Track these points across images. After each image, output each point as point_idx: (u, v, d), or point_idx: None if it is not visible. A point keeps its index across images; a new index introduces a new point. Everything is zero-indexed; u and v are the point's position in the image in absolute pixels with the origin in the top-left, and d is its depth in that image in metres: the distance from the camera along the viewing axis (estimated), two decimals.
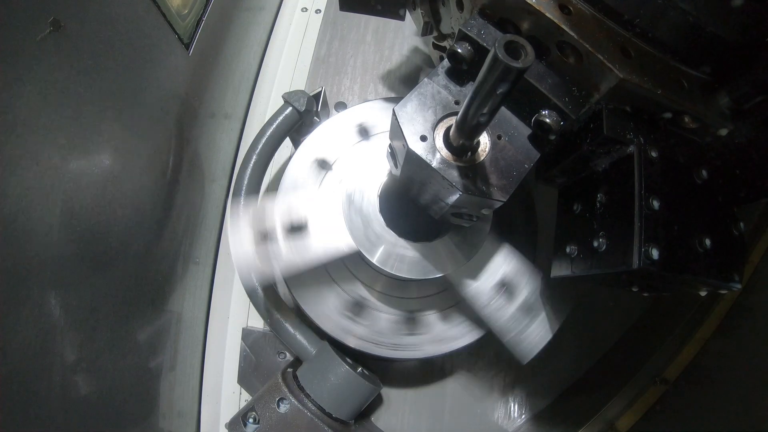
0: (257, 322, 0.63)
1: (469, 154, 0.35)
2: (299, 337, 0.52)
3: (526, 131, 0.37)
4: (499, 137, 0.36)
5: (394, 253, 0.45)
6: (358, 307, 0.51)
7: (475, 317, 0.51)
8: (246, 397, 0.60)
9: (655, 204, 0.33)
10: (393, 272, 0.45)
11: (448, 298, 0.52)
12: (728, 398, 0.51)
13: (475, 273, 0.48)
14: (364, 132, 0.55)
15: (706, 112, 0.35)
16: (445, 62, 0.37)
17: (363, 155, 0.54)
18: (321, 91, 0.59)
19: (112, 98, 0.41)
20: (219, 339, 0.63)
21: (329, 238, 0.45)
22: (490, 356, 0.65)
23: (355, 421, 0.52)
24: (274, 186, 0.64)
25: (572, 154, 0.39)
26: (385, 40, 0.83)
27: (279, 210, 0.46)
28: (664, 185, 0.34)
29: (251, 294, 0.52)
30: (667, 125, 0.36)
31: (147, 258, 0.49)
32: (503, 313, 0.47)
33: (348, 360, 0.51)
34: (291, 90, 0.57)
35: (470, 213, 0.40)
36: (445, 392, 0.63)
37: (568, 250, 0.39)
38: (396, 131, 0.36)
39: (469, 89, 0.32)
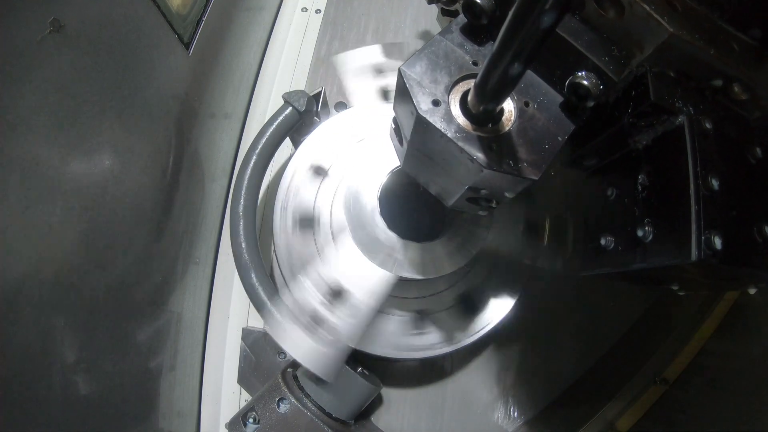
0: (257, 322, 0.63)
1: (491, 124, 0.30)
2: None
3: (558, 99, 0.31)
4: (526, 104, 0.31)
5: (394, 253, 0.45)
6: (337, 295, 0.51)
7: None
8: (246, 397, 0.60)
9: (715, 183, 0.28)
10: (393, 272, 0.44)
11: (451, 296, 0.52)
12: (728, 398, 0.51)
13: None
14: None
15: (758, 81, 0.31)
16: (460, 18, 0.32)
17: (363, 156, 0.53)
18: (321, 91, 0.59)
19: (112, 98, 0.41)
20: (219, 339, 0.63)
21: (369, 291, 0.44)
22: (490, 356, 0.65)
23: (355, 421, 0.52)
24: (274, 186, 0.64)
25: (607, 130, 0.34)
26: (385, 40, 0.83)
27: (310, 289, 0.45)
28: (721, 163, 0.29)
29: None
30: (715, 96, 0.31)
31: (147, 258, 0.49)
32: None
33: (348, 360, 0.51)
34: (291, 90, 0.57)
35: (490, 197, 0.34)
36: (445, 392, 0.63)
37: (603, 242, 0.34)
38: (402, 95, 0.31)
39: (489, 49, 0.27)
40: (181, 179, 0.55)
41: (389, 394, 0.62)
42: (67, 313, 0.37)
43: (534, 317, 0.66)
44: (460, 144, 0.29)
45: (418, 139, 0.32)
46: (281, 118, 0.56)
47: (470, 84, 0.29)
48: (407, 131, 0.33)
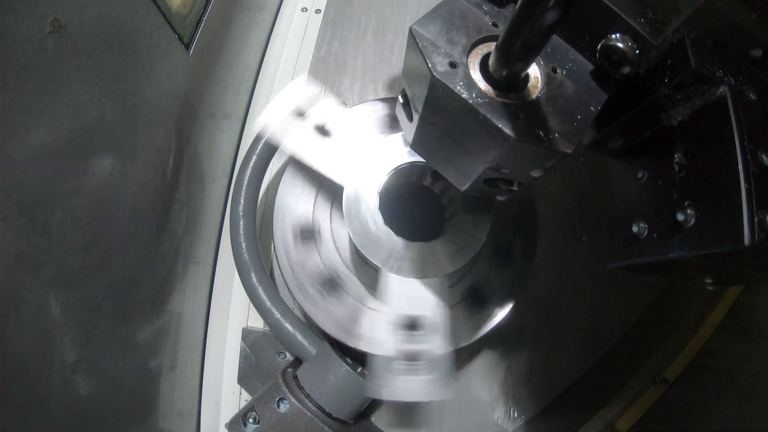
0: (257, 322, 0.63)
1: (514, 93, 0.26)
2: (299, 337, 0.52)
3: (587, 66, 0.28)
4: (554, 70, 0.27)
5: (395, 253, 0.45)
6: (331, 285, 0.51)
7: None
8: (246, 397, 0.60)
9: (765, 158, 0.25)
10: (393, 272, 0.44)
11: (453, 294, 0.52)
12: (728, 398, 0.51)
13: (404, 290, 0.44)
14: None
15: None
16: None
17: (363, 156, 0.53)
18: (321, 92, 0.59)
19: (112, 98, 0.41)
20: (219, 339, 0.63)
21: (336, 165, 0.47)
22: (490, 356, 0.65)
23: (355, 421, 0.52)
24: (274, 186, 0.64)
25: (637, 106, 0.30)
26: (385, 40, 0.83)
27: (320, 105, 0.47)
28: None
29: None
30: (752, 68, 0.29)
31: (147, 258, 0.49)
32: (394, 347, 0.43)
33: (348, 360, 0.51)
34: None
35: (511, 177, 0.30)
36: None
37: (635, 229, 0.31)
38: (414, 58, 0.27)
39: (510, 11, 0.24)
40: (181, 179, 0.55)
41: None
42: (67, 313, 0.37)
43: (534, 317, 0.66)
44: (482, 111, 0.24)
45: (431, 110, 0.28)
46: None
47: (490, 47, 0.26)
48: (419, 101, 0.29)
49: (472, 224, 0.47)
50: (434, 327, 0.44)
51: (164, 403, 0.52)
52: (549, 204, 0.74)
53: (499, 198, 0.36)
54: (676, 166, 0.29)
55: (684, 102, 0.28)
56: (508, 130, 0.24)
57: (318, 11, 0.86)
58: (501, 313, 0.52)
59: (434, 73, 0.25)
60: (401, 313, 0.44)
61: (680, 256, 0.27)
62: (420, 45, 0.26)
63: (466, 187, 0.33)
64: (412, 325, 0.44)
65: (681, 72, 0.27)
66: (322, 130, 0.48)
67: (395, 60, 0.81)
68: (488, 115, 0.25)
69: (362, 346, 0.49)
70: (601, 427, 0.57)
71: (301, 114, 0.48)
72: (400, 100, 0.33)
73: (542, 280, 0.67)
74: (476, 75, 0.26)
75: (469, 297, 0.52)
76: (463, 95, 0.25)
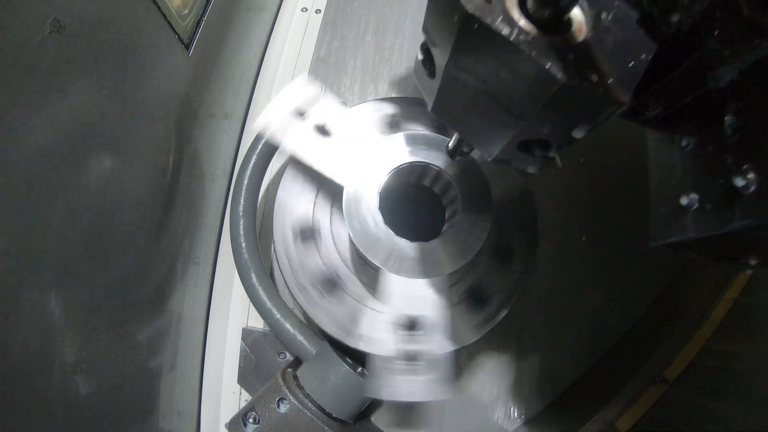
0: (257, 322, 0.63)
1: (556, 36, 0.23)
2: (299, 337, 0.52)
3: (633, 14, 0.25)
4: (599, 15, 0.24)
5: (395, 253, 0.45)
6: (331, 285, 0.51)
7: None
8: (246, 397, 0.60)
9: None
10: (393, 272, 0.44)
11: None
12: (728, 398, 0.51)
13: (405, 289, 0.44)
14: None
15: None
16: None
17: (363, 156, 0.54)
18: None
19: (112, 98, 0.41)
20: (219, 339, 0.63)
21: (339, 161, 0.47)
22: (490, 356, 0.65)
23: (355, 421, 0.52)
24: (274, 186, 0.64)
25: (683, 65, 0.28)
26: (385, 40, 0.83)
27: (320, 104, 0.48)
28: None
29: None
30: None
31: (147, 258, 0.49)
32: (394, 348, 0.43)
33: (348, 360, 0.51)
34: None
35: (551, 138, 0.27)
36: None
37: (684, 201, 0.28)
38: None
39: None
40: (181, 179, 0.55)
41: None
42: (67, 313, 0.37)
43: (534, 317, 0.66)
44: (527, 49, 0.21)
45: (461, 57, 0.24)
46: None
47: None
48: (444, 50, 0.25)
49: (472, 224, 0.47)
50: (434, 327, 0.44)
51: (164, 403, 0.52)
52: (549, 204, 0.74)
53: (530, 170, 0.32)
54: (729, 129, 0.26)
55: (734, 59, 0.26)
56: (557, 71, 0.21)
57: (318, 11, 0.86)
58: (501, 314, 0.52)
59: (467, 7, 0.21)
60: (401, 313, 0.44)
61: (742, 225, 0.24)
62: None
63: (495, 153, 0.30)
64: (412, 325, 0.44)
65: (732, 23, 0.24)
66: (322, 130, 0.48)
67: (395, 60, 0.81)
68: (534, 54, 0.21)
69: (362, 346, 0.49)
70: (601, 427, 0.57)
71: (301, 114, 0.48)
72: (419, 56, 0.30)
73: (542, 280, 0.67)
74: (515, 13, 0.22)
75: (469, 297, 0.52)
76: (503, 32, 0.21)
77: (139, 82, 0.45)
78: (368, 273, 0.52)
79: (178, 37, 0.52)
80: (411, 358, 0.42)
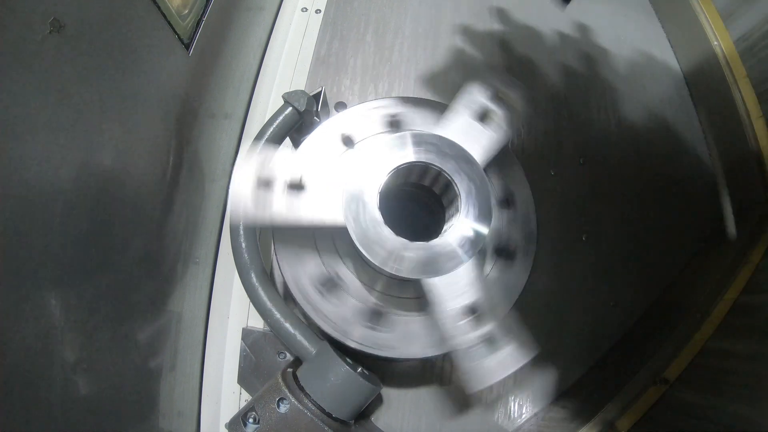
0: (257, 322, 0.63)
1: None
2: (299, 337, 0.52)
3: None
4: None
5: (395, 253, 0.45)
6: (331, 284, 0.51)
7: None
8: (246, 397, 0.60)
9: None
10: (393, 273, 0.44)
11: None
12: (728, 398, 0.51)
13: (450, 288, 0.46)
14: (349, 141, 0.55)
15: None
16: None
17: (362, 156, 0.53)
18: (321, 91, 0.59)
19: (113, 98, 0.41)
20: (219, 339, 0.63)
21: (324, 206, 0.45)
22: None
23: (355, 421, 0.52)
24: None
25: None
26: (385, 40, 0.83)
27: (281, 163, 0.45)
28: None
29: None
30: None
31: (147, 258, 0.49)
32: (468, 337, 0.45)
33: (348, 360, 0.51)
34: (291, 90, 0.57)
35: None
36: (445, 392, 0.63)
37: None
38: None
39: None
40: (181, 179, 0.55)
41: (389, 394, 0.62)
42: (67, 313, 0.37)
43: (534, 317, 0.66)
44: None
45: None
46: (281, 118, 0.56)
47: None
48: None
49: (472, 224, 0.47)
50: (487, 302, 0.45)
51: (164, 403, 0.52)
52: (549, 204, 0.75)
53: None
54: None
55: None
56: None
57: (318, 11, 0.86)
58: (528, 263, 0.52)
59: None
60: (460, 306, 0.45)
61: None
62: None
63: None
64: (472, 310, 0.45)
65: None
66: (298, 186, 0.45)
67: (395, 60, 0.82)
68: None
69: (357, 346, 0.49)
70: (601, 427, 0.57)
71: (267, 183, 0.44)
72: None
73: (542, 280, 0.67)
74: None
75: (498, 258, 0.53)
76: None
77: (139, 82, 0.45)
78: (368, 273, 0.52)
79: (178, 37, 0.52)
80: (488, 338, 0.45)
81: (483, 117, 0.50)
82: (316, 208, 0.45)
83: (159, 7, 0.47)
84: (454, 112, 0.50)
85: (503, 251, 0.54)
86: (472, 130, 0.49)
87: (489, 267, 0.54)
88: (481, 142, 0.49)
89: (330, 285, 0.51)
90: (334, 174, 0.46)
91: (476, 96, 0.50)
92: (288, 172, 0.45)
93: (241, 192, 0.44)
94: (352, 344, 0.50)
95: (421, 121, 0.56)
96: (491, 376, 0.44)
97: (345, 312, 0.51)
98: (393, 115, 0.56)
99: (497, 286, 0.52)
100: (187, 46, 0.54)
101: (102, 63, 0.39)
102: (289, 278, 0.51)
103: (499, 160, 0.54)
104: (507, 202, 0.56)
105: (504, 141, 0.50)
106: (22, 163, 0.32)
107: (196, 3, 0.56)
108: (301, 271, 0.51)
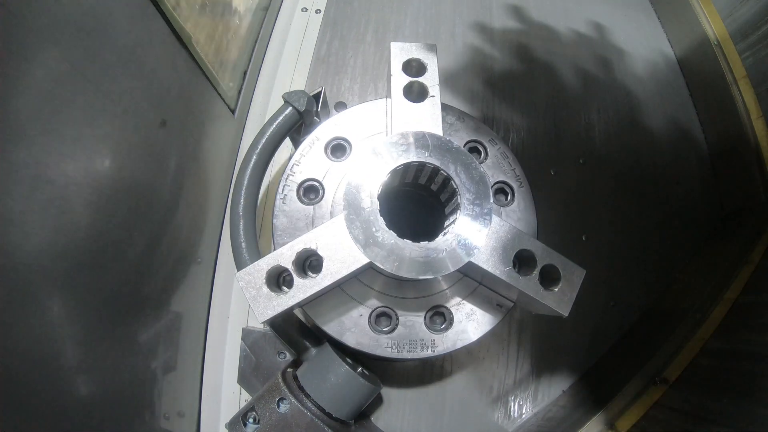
0: (257, 322, 0.63)
1: None
2: (299, 337, 0.52)
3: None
4: None
5: (394, 253, 0.45)
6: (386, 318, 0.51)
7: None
8: (246, 397, 0.60)
9: None
10: (395, 273, 0.44)
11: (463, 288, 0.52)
12: (728, 398, 0.51)
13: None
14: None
15: None
16: None
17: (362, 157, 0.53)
18: (321, 91, 0.59)
19: (113, 98, 0.41)
20: (219, 339, 0.63)
21: (340, 264, 0.44)
22: (490, 356, 0.65)
23: (355, 421, 0.52)
24: (273, 186, 0.64)
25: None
26: (385, 40, 0.83)
27: (284, 251, 0.45)
28: None
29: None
30: None
31: (147, 258, 0.49)
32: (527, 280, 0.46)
33: (348, 360, 0.51)
34: (291, 90, 0.57)
35: None
36: (445, 392, 0.63)
37: None
38: None
39: None
40: (182, 179, 0.55)
41: (389, 394, 0.62)
42: (68, 314, 0.37)
43: (534, 317, 0.66)
44: None
45: None
46: (281, 117, 0.56)
47: None
48: None
49: (472, 223, 0.47)
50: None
51: (164, 403, 0.52)
52: (549, 204, 0.75)
53: None
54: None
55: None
56: None
57: (318, 11, 0.86)
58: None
59: None
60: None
61: None
62: None
63: None
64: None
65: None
66: (308, 268, 0.46)
67: None
68: None
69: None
70: (601, 427, 0.57)
71: (276, 282, 0.45)
72: None
73: None
74: None
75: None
76: None
77: (139, 83, 0.45)
78: (368, 273, 0.52)
79: (178, 36, 0.52)
80: None
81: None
82: (336, 271, 0.44)
83: (158, 7, 0.47)
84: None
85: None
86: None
87: None
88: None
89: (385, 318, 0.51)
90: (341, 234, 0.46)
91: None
92: (303, 255, 0.45)
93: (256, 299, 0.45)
94: (352, 344, 0.50)
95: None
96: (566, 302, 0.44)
97: (345, 312, 0.51)
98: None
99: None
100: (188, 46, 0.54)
101: (102, 63, 0.39)
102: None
103: (499, 160, 0.54)
104: (507, 201, 0.56)
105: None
106: (24, 163, 0.32)
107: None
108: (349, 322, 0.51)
